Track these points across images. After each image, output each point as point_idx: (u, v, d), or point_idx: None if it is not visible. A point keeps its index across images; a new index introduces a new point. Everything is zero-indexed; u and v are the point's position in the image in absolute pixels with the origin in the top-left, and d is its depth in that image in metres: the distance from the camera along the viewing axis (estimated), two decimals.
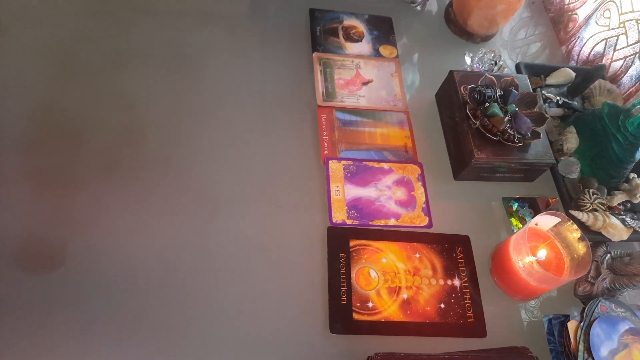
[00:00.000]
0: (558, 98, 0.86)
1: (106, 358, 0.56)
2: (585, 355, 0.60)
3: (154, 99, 0.77)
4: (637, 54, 0.87)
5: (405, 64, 0.92)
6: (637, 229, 0.74)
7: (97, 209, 0.65)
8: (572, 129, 0.81)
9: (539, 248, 0.68)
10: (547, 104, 0.86)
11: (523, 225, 0.75)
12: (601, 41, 0.95)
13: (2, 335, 0.56)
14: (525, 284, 0.65)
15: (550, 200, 0.79)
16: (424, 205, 0.75)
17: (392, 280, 0.67)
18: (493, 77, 0.78)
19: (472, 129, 0.75)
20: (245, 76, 0.83)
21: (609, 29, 0.93)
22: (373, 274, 0.67)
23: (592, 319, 0.63)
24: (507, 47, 1.01)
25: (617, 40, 0.92)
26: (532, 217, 0.71)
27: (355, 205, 0.72)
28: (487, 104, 0.75)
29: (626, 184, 0.78)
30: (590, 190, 0.76)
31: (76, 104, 0.74)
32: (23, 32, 0.79)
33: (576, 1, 1.02)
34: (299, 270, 0.66)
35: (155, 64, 0.81)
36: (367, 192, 0.74)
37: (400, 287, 0.67)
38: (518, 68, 0.91)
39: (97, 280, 0.61)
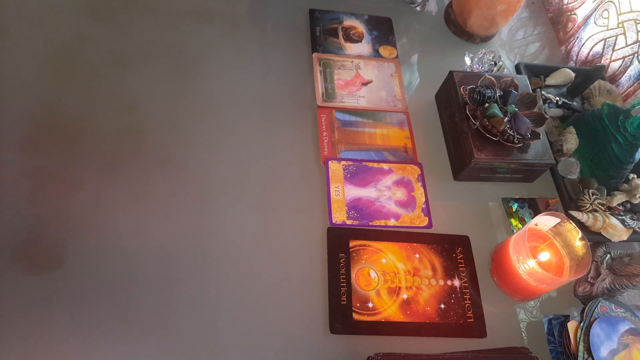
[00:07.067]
0: (558, 98, 0.87)
1: (106, 357, 0.56)
2: (585, 356, 0.60)
3: (154, 99, 0.77)
4: (636, 54, 0.88)
5: (405, 65, 0.92)
6: (637, 229, 0.74)
7: (97, 208, 0.65)
8: (572, 129, 0.81)
9: (539, 249, 0.68)
10: (546, 105, 0.87)
11: (523, 225, 0.75)
12: (600, 41, 0.95)
13: (2, 335, 0.55)
14: (525, 284, 0.65)
15: (550, 201, 0.79)
16: (423, 206, 0.75)
17: (392, 280, 0.67)
18: (493, 78, 0.78)
19: (472, 129, 0.75)
20: (245, 76, 0.83)
21: (607, 29, 0.94)
22: (373, 274, 0.67)
23: (592, 319, 0.63)
24: (506, 47, 1.01)
25: (615, 40, 0.92)
26: (532, 218, 0.71)
27: (355, 206, 0.72)
28: (487, 105, 0.75)
29: (626, 185, 0.78)
30: (590, 191, 0.76)
31: (76, 104, 0.74)
32: (23, 32, 0.79)
33: (575, 1, 1.02)
34: (299, 270, 0.66)
35: (155, 64, 0.81)
36: (367, 193, 0.74)
37: (400, 288, 0.67)
38: (518, 68, 0.91)
39: (97, 279, 0.60)
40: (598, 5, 0.96)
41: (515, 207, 0.78)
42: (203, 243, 0.66)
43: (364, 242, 0.69)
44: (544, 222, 0.68)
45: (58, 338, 0.56)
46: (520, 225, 0.76)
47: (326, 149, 0.77)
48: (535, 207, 0.78)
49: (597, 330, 0.62)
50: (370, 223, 0.71)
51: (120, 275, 0.61)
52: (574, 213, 0.73)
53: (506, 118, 0.74)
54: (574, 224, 0.66)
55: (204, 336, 0.59)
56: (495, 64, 0.88)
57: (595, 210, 0.75)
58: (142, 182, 0.69)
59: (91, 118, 0.73)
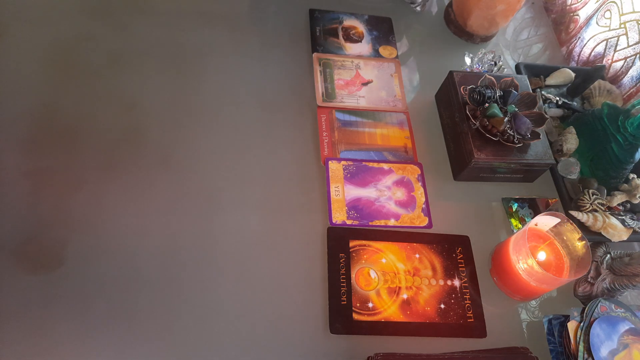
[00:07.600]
0: (558, 98, 0.87)
1: (106, 357, 0.56)
2: (585, 356, 0.60)
3: (154, 98, 0.77)
4: (638, 55, 0.88)
5: (405, 65, 0.92)
6: (637, 229, 0.74)
7: (97, 208, 0.65)
8: (572, 129, 0.81)
9: (538, 249, 0.68)
10: (546, 105, 0.87)
11: (523, 225, 0.75)
12: (602, 42, 0.95)
13: (2, 335, 0.55)
14: (525, 284, 0.65)
15: (550, 201, 0.79)
16: (423, 206, 0.75)
17: (392, 280, 0.67)
18: (493, 78, 0.78)
19: (472, 129, 0.75)
20: (245, 76, 0.83)
21: (609, 30, 0.93)
22: (373, 274, 0.67)
23: (592, 319, 0.63)
24: (508, 47, 1.01)
25: (617, 40, 0.92)
26: (532, 218, 0.71)
27: (355, 206, 0.72)
28: (487, 105, 0.75)
29: (626, 185, 0.78)
30: (590, 191, 0.76)
31: (76, 104, 0.74)
32: (23, 32, 0.79)
33: (578, 2, 1.02)
34: (299, 270, 0.66)
35: (155, 64, 0.81)
36: (367, 193, 0.74)
37: (400, 288, 0.67)
38: (518, 68, 0.91)
39: (97, 279, 0.60)
40: (600, 6, 0.96)
41: (515, 207, 0.78)
42: (203, 243, 0.66)
43: (364, 242, 0.69)
44: (544, 222, 0.68)
45: (58, 338, 0.56)
46: (520, 225, 0.76)
47: (326, 149, 0.77)
48: (535, 207, 0.78)
49: (597, 330, 0.62)
50: (370, 223, 0.71)
51: (120, 275, 0.61)
52: (574, 213, 0.73)
53: (506, 118, 0.74)
54: (574, 224, 0.66)
55: (204, 335, 0.59)
56: (495, 64, 0.88)
57: (595, 210, 0.75)
58: (142, 182, 0.69)
59: (91, 118, 0.73)
